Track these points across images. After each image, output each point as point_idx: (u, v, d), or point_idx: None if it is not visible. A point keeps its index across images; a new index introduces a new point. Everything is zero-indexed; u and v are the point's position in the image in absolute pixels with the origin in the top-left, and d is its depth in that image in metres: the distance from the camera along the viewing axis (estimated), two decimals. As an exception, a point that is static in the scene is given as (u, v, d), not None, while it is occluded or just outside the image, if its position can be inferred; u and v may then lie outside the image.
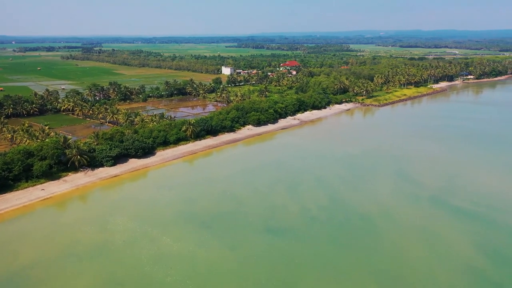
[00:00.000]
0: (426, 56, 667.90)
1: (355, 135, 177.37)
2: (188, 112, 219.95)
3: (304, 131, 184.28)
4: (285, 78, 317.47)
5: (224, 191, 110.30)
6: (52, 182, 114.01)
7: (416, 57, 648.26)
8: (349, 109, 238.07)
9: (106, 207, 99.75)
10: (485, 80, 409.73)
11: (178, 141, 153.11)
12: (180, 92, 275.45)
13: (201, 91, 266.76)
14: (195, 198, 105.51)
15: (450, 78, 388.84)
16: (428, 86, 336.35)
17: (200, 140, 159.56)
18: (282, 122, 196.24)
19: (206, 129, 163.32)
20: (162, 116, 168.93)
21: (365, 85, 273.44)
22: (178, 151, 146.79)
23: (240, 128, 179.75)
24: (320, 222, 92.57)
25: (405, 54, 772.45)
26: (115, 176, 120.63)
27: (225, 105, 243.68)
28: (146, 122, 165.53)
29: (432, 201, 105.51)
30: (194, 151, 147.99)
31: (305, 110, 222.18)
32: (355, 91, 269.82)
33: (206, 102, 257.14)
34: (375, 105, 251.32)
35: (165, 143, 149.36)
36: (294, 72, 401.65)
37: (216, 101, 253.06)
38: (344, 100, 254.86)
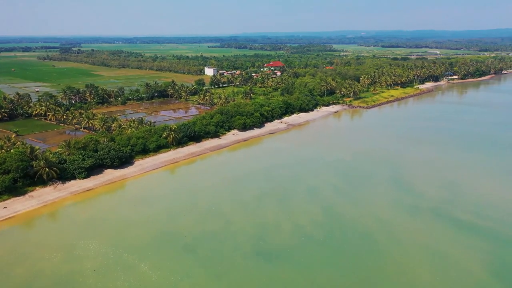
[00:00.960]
0: (408, 56, 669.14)
1: (346, 139, 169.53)
2: (170, 115, 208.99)
3: (292, 135, 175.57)
4: (270, 79, 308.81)
5: (209, 206, 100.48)
6: (17, 198, 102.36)
7: (399, 57, 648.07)
8: (337, 112, 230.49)
9: (75, 228, 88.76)
10: (469, 80, 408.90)
11: (158, 148, 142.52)
12: (161, 95, 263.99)
13: (183, 93, 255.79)
14: (177, 215, 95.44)
15: (436, 79, 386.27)
16: (415, 87, 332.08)
17: (182, 147, 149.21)
18: (269, 126, 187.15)
19: (189, 135, 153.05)
20: (141, 121, 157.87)
21: (352, 86, 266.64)
22: (158, 159, 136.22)
23: (225, 133, 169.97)
24: (316, 242, 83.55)
25: (387, 54, 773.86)
26: (88, 190, 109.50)
27: (209, 107, 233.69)
28: (124, 128, 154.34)
29: (434, 213, 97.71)
30: (176, 159, 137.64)
31: (292, 113, 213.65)
32: (342, 92, 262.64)
33: (188, 104, 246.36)
34: (363, 107, 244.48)
35: (144, 151, 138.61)
36: (278, 73, 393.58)
37: (199, 103, 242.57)
38: (331, 102, 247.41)
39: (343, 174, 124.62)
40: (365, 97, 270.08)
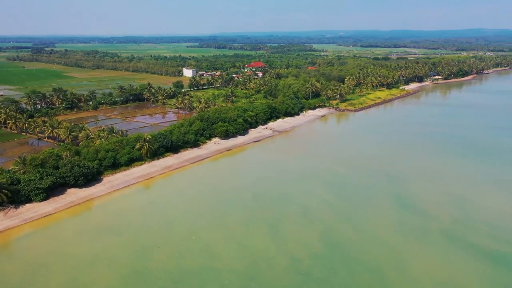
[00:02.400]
0: (389, 56, 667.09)
1: (337, 147, 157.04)
2: (145, 121, 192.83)
3: (279, 143, 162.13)
4: (252, 81, 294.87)
5: (189, 234, 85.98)
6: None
7: (379, 56, 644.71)
8: (324, 115, 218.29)
9: (23, 271, 72.90)
10: (453, 80, 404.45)
11: (131, 162, 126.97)
12: (136, 98, 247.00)
13: (160, 97, 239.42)
14: (151, 247, 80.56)
15: (420, 79, 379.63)
16: (400, 88, 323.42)
17: (158, 159, 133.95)
18: (253, 133, 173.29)
19: (165, 145, 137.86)
20: (112, 130, 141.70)
21: (339, 88, 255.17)
22: (130, 175, 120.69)
23: (205, 142, 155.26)
24: (316, 281, 70.12)
25: (367, 54, 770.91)
26: (46, 216, 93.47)
27: (188, 112, 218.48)
28: (92, 138, 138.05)
29: (446, 238, 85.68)
30: (151, 174, 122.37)
31: (277, 118, 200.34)
32: (328, 94, 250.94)
33: (166, 109, 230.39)
34: (351, 110, 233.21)
35: (115, 166, 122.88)
36: (260, 74, 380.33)
37: (177, 107, 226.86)
38: (317, 105, 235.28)
39: (338, 189, 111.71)
40: (351, 99, 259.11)
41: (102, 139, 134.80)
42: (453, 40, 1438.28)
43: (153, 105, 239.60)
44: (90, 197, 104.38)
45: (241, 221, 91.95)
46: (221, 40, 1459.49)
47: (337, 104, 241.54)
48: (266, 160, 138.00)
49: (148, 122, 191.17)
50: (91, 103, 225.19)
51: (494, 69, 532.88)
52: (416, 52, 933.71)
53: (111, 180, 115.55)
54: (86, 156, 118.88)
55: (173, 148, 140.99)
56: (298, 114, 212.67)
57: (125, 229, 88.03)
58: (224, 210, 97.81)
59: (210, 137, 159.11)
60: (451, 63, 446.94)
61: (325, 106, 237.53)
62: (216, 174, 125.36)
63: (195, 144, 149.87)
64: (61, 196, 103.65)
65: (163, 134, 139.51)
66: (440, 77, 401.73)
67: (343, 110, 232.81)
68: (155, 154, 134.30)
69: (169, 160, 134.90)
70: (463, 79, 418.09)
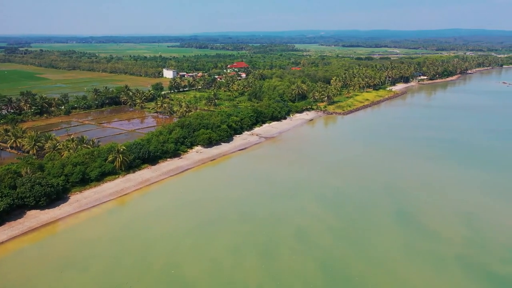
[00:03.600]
0: (371, 56, 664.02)
1: (328, 154, 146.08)
2: (122, 128, 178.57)
3: (266, 151, 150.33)
4: (236, 83, 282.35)
5: (168, 268, 73.36)
6: None
7: (362, 56, 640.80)
8: (312, 119, 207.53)
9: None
10: (438, 81, 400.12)
11: (102, 176, 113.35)
12: (112, 102, 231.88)
13: (137, 100, 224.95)
14: (122, 286, 67.74)
15: (406, 80, 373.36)
16: (388, 89, 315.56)
17: (134, 172, 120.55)
18: (238, 140, 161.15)
19: (142, 156, 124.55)
20: (81, 140, 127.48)
21: (326, 90, 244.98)
22: (102, 191, 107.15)
23: (187, 151, 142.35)
24: (321, 328, 58.66)
25: (350, 53, 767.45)
26: (-2, 246, 79.67)
27: (168, 116, 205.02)
28: (60, 149, 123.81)
29: (463, 265, 75.27)
30: (125, 190, 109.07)
31: (264, 122, 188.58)
32: (315, 97, 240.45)
33: (144, 113, 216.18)
34: (339, 113, 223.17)
35: (84, 182, 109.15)
36: (243, 75, 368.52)
37: (157, 112, 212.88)
38: (304, 108, 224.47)
39: (335, 206, 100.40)
40: (339, 101, 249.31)
41: (71, 151, 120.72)
42: (432, 40, 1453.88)
43: (131, 109, 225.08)
44: (53, 220, 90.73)
45: (229, 249, 79.71)
46: (203, 40, 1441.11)
47: (325, 106, 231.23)
48: (254, 171, 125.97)
49: (124, 129, 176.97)
50: (63, 107, 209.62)
51: (477, 69, 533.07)
52: (398, 51, 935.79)
53: (79, 199, 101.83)
54: (50, 171, 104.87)
55: (151, 159, 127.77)
56: (285, 118, 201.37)
57: (92, 262, 74.77)
58: (209, 235, 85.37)
59: (191, 146, 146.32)
60: (436, 63, 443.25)
61: (313, 109, 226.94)
62: (199, 189, 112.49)
63: (175, 153, 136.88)
64: (18, 220, 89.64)
65: (139, 144, 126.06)
66: (425, 77, 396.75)
67: (331, 113, 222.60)
68: (131, 166, 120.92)
69: (146, 173, 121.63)
70: (448, 79, 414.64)
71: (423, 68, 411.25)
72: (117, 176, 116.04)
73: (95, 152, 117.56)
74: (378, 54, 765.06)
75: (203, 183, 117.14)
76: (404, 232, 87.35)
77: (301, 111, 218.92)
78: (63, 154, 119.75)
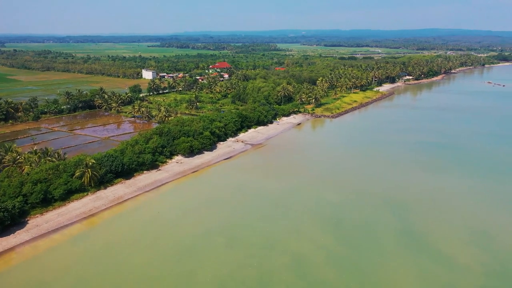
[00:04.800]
0: (354, 55, 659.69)
1: (321, 164, 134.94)
2: (95, 135, 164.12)
3: (253, 160, 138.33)
4: (218, 84, 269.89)
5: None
6: None
7: (345, 56, 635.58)
8: (300, 123, 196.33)
9: None
10: (424, 81, 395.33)
11: (68, 194, 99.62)
12: (87, 106, 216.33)
13: (113, 104, 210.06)
14: None
15: (392, 80, 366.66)
16: (375, 90, 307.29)
17: (105, 188, 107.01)
18: (222, 148, 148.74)
19: (115, 170, 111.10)
20: (46, 153, 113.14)
21: (313, 92, 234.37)
22: (67, 213, 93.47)
23: (166, 162, 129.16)
24: None
25: (333, 53, 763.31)
26: None
27: (146, 121, 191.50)
28: (21, 163, 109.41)
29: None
30: (94, 210, 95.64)
31: (249, 128, 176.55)
32: (302, 99, 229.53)
33: (120, 118, 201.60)
34: (328, 116, 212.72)
35: (46, 202, 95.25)
36: (226, 75, 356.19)
37: (134, 116, 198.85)
38: (291, 111, 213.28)
39: (335, 228, 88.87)
40: (326, 103, 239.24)
41: (33, 165, 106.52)
42: (413, 40, 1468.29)
43: (106, 114, 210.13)
44: (5, 250, 76.87)
45: (214, 286, 67.44)
46: (184, 39, 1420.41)
47: (312, 109, 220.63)
48: (240, 185, 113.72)
49: (97, 136, 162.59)
50: (31, 112, 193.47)
51: (460, 69, 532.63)
52: (380, 51, 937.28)
53: (38, 223, 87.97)
54: (6, 191, 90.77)
55: (125, 172, 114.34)
56: (271, 123, 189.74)
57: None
58: (190, 267, 72.86)
59: (171, 156, 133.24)
60: (421, 63, 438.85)
61: (300, 112, 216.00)
62: (178, 207, 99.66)
63: (153, 165, 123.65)
64: (-37, 253, 75.62)
65: (111, 156, 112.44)
66: (411, 77, 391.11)
67: (319, 116, 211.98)
68: (102, 181, 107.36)
69: (120, 188, 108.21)
70: (433, 79, 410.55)
71: (409, 68, 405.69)
72: (85, 193, 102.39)
73: (60, 167, 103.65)
74: (361, 54, 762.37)
75: (184, 200, 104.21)
76: (415, 259, 76.36)
77: (288, 115, 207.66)
78: (23, 169, 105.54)
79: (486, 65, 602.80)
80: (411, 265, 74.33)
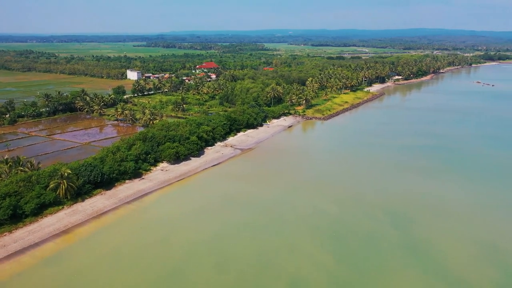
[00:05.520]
0: (342, 55, 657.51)
1: (315, 170, 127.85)
2: (75, 140, 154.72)
3: (243, 166, 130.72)
4: (205, 85, 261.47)
5: None
6: None
7: (333, 56, 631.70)
8: (291, 126, 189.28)
9: None
10: (413, 81, 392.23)
11: (42, 209, 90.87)
12: (67, 108, 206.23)
13: (95, 106, 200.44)
14: None
15: (382, 80, 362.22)
16: (365, 90, 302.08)
17: (83, 201, 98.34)
18: (210, 153, 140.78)
19: (94, 180, 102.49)
20: (17, 162, 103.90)
21: (304, 93, 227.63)
22: (39, 230, 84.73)
23: (150, 170, 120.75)
24: None
25: (320, 53, 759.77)
26: None
27: (130, 124, 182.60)
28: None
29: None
30: (70, 225, 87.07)
31: (238, 131, 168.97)
32: (292, 100, 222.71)
33: (103, 121, 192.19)
34: (319, 118, 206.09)
35: (16, 218, 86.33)
36: (213, 76, 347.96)
37: (117, 119, 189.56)
38: (281, 112, 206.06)
39: (334, 244, 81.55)
40: (317, 104, 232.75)
41: (3, 175, 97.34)
42: (399, 39, 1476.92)
43: (88, 117, 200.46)
44: (-32, 278, 68.08)
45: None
46: (170, 39, 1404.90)
47: (303, 111, 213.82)
48: (230, 195, 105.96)
49: (77, 141, 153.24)
50: (7, 116, 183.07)
51: (448, 68, 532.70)
52: (367, 50, 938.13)
53: (6, 243, 79.05)
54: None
55: (106, 182, 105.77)
56: (261, 125, 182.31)
57: None
58: (176, 294, 65.12)
59: (155, 163, 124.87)
60: (410, 63, 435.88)
61: (290, 114, 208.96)
62: (163, 221, 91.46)
63: (136, 173, 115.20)
64: None
65: (90, 165, 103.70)
66: (400, 77, 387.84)
67: (310, 118, 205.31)
68: (79, 193, 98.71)
69: (99, 200, 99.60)
70: (422, 79, 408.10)
71: (398, 68, 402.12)
72: (60, 207, 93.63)
73: (33, 178, 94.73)
74: (349, 53, 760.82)
75: (168, 213, 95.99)
76: (425, 280, 69.55)
77: (278, 117, 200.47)
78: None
79: (473, 65, 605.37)
80: (415, 282, 67.52)
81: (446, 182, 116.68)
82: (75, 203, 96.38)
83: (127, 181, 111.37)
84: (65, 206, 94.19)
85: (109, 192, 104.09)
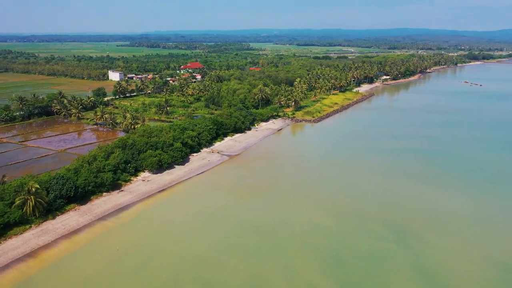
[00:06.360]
0: (328, 55, 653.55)
1: (308, 178, 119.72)
2: (50, 147, 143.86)
3: (231, 175, 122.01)
4: (190, 86, 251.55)
5: None
6: None
7: (319, 55, 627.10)
8: (280, 129, 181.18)
9: None
10: (401, 80, 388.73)
11: (6, 229, 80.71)
12: (44, 112, 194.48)
13: (73, 110, 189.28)
14: None
15: (370, 80, 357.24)
16: (354, 91, 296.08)
17: (54, 218, 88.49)
18: (195, 160, 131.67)
19: (67, 194, 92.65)
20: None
21: (292, 94, 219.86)
22: (1, 254, 74.68)
23: (129, 181, 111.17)
24: None
25: (306, 52, 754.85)
26: None
27: (110, 129, 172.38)
28: None
29: None
30: (37, 248, 77.30)
31: (225, 136, 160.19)
32: (280, 102, 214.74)
33: (82, 125, 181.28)
34: (309, 120, 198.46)
35: (-25, 241, 76.36)
36: (198, 76, 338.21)
37: (96, 124, 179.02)
38: (270, 115, 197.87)
39: (335, 266, 73.33)
40: (306, 106, 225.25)
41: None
42: (383, 39, 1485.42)
43: (66, 121, 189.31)
44: None
45: None
46: (154, 38, 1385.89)
47: (292, 113, 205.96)
48: (216, 209, 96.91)
49: (52, 148, 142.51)
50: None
51: (434, 68, 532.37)
52: (352, 50, 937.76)
53: (-39, 273, 69.16)
54: None
55: (80, 196, 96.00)
56: (249, 129, 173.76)
57: None
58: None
59: (136, 172, 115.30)
60: (397, 62, 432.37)
61: (279, 116, 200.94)
62: (142, 240, 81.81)
63: (115, 185, 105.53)
64: None
65: (62, 178, 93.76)
66: (388, 77, 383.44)
67: (300, 121, 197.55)
68: (49, 210, 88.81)
69: (72, 217, 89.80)
70: (410, 78, 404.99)
71: (386, 68, 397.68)
72: (28, 226, 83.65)
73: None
74: (335, 53, 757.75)
75: (149, 230, 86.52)
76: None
77: (266, 119, 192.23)
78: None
79: (458, 64, 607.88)
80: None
81: (447, 190, 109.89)
82: (44, 221, 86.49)
83: (104, 194, 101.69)
84: (33, 225, 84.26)
85: (83, 207, 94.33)
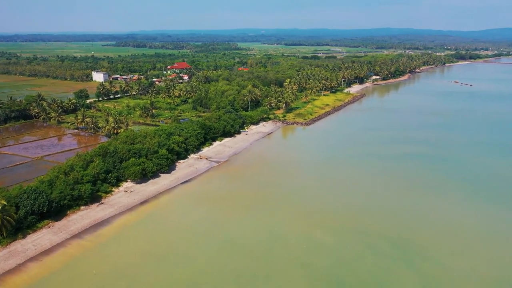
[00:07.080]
0: (317, 55, 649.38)
1: (302, 188, 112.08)
2: (25, 154, 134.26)
3: (219, 184, 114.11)
4: (177, 87, 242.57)
5: None
6: None
7: (307, 55, 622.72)
8: (271, 132, 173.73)
9: None
10: (391, 80, 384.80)
11: (-33, 252, 71.95)
12: (21, 115, 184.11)
13: (53, 113, 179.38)
14: None
15: (361, 80, 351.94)
16: (345, 92, 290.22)
17: (24, 237, 79.68)
18: (182, 168, 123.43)
19: (39, 210, 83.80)
20: None
21: (283, 96, 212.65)
22: (-38, 283, 66.12)
23: (111, 192, 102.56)
24: None
25: (294, 52, 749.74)
26: None
27: (92, 133, 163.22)
28: None
29: None
30: (1, 273, 68.58)
31: (214, 140, 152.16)
32: (271, 104, 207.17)
33: (62, 130, 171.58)
34: (301, 123, 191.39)
35: None
36: (185, 77, 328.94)
37: (77, 128, 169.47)
38: (260, 118, 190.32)
39: (336, 287, 66.45)
40: (297, 107, 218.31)
41: None
42: (370, 39, 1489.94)
43: (45, 125, 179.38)
44: None
45: None
46: (140, 38, 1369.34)
47: (283, 115, 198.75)
48: (204, 225, 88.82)
49: (28, 155, 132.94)
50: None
51: (423, 68, 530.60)
52: (341, 50, 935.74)
53: None
54: None
55: (55, 211, 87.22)
56: (239, 133, 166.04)
57: None
58: None
59: (118, 182, 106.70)
60: (387, 62, 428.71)
61: (270, 119, 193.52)
62: (121, 264, 73.36)
63: (94, 197, 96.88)
64: None
65: (34, 191, 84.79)
66: (378, 77, 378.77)
67: (292, 124, 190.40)
68: (20, 228, 79.99)
69: (45, 236, 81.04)
70: (400, 78, 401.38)
71: (376, 68, 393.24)
72: (-6, 248, 74.88)
73: (-42, 211, 75.45)
74: (323, 53, 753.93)
75: (130, 250, 77.98)
76: None
77: (257, 122, 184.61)
78: None
79: (446, 64, 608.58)
80: None
81: (451, 201, 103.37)
82: (13, 241, 77.70)
83: (82, 207, 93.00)
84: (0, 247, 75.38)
85: (58, 224, 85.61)
